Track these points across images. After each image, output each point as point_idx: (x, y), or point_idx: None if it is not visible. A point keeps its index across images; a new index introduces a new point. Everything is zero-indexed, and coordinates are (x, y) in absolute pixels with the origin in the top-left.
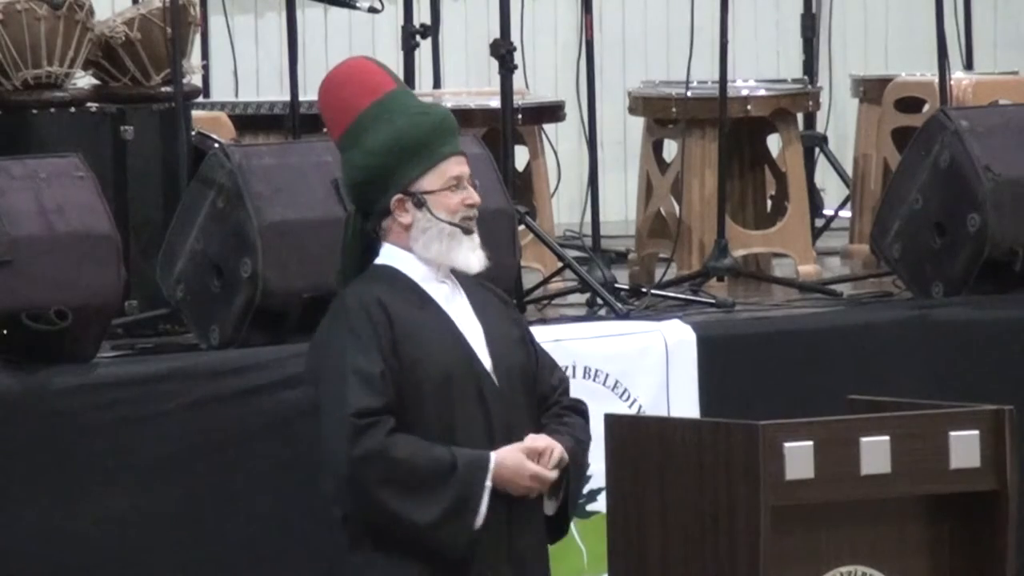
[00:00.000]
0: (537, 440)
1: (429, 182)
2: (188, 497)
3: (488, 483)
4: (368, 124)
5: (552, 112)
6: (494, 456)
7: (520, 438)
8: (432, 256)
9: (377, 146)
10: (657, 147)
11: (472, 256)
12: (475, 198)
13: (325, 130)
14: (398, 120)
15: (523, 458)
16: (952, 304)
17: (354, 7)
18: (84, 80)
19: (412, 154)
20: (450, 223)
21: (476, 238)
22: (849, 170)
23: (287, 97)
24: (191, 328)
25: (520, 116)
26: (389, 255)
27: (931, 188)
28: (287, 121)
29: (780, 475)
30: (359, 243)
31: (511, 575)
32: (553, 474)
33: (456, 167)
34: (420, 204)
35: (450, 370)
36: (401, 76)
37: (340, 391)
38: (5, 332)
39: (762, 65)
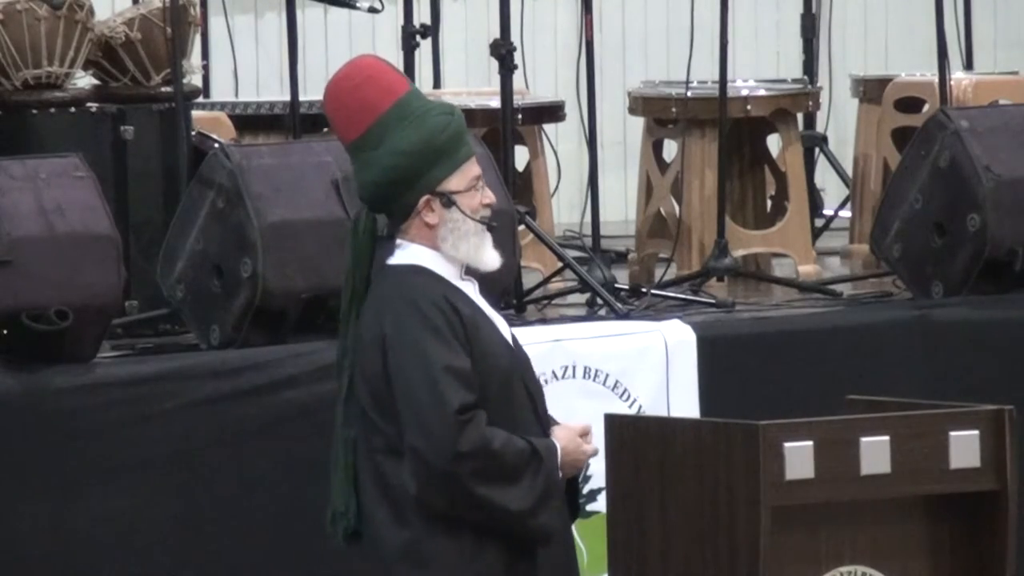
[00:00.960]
0: (577, 422)
1: (455, 182)
2: (188, 497)
3: (559, 467)
4: (392, 124)
5: (552, 112)
6: (557, 441)
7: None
8: (459, 255)
9: (406, 146)
10: (657, 147)
11: (494, 254)
12: (492, 197)
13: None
14: (426, 121)
15: (579, 439)
16: (952, 304)
17: (354, 7)
18: (84, 80)
19: (440, 155)
20: (476, 221)
21: (490, 237)
22: (849, 170)
23: (287, 97)
24: (191, 328)
25: (520, 116)
26: (413, 255)
27: (931, 188)
28: (287, 121)
29: (780, 475)
30: (370, 242)
31: (563, 555)
32: (598, 449)
33: (476, 168)
34: (449, 204)
35: (506, 367)
36: None
37: (436, 390)
38: (5, 332)
39: (762, 65)
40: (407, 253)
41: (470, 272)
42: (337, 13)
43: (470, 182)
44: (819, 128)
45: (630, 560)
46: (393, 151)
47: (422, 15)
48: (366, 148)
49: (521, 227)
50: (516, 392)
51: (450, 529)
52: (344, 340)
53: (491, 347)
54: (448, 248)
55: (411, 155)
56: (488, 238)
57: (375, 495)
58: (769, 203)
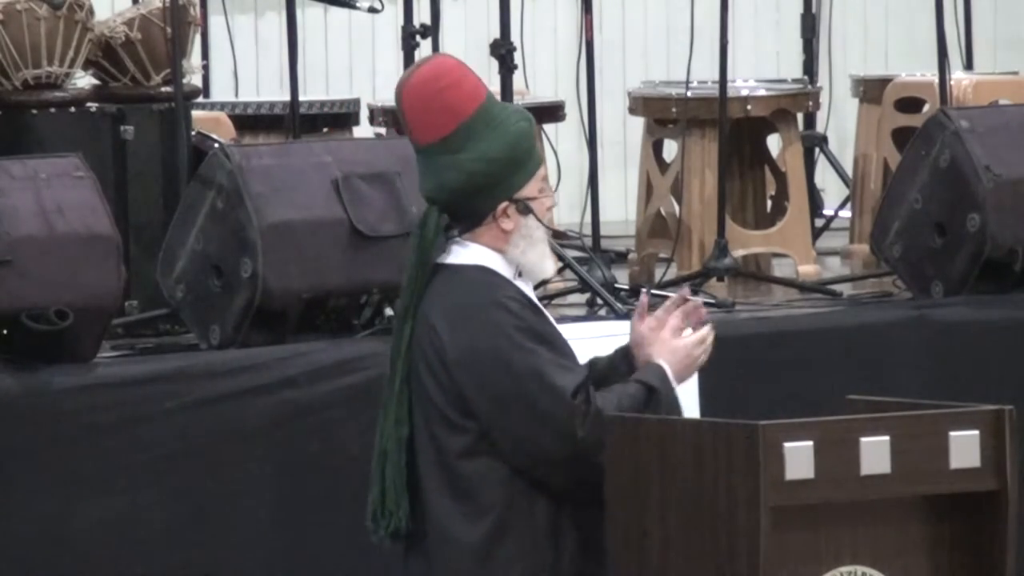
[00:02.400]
0: (641, 323)
1: (530, 189)
2: (188, 497)
3: (675, 384)
4: (478, 129)
5: (552, 112)
6: (660, 360)
7: None
8: (527, 260)
9: (493, 153)
10: (657, 147)
11: (552, 262)
12: (553, 202)
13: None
14: (510, 128)
15: (676, 343)
16: (952, 304)
17: (354, 7)
18: (84, 80)
19: (520, 162)
20: (546, 229)
21: None
22: (849, 170)
23: (287, 97)
24: (191, 328)
25: None
26: (478, 256)
27: (931, 188)
28: (287, 121)
29: (780, 475)
30: (437, 243)
31: None
32: (706, 334)
33: (544, 172)
34: (526, 211)
35: (574, 354)
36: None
37: (546, 380)
38: (5, 332)
39: (762, 65)
40: (469, 253)
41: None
42: (337, 13)
43: (540, 188)
44: (819, 128)
45: (630, 560)
46: (479, 157)
47: (422, 15)
48: (446, 152)
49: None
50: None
51: (526, 527)
52: (400, 339)
53: (565, 341)
54: (518, 253)
55: (497, 161)
56: (547, 246)
57: (444, 494)
58: (769, 203)
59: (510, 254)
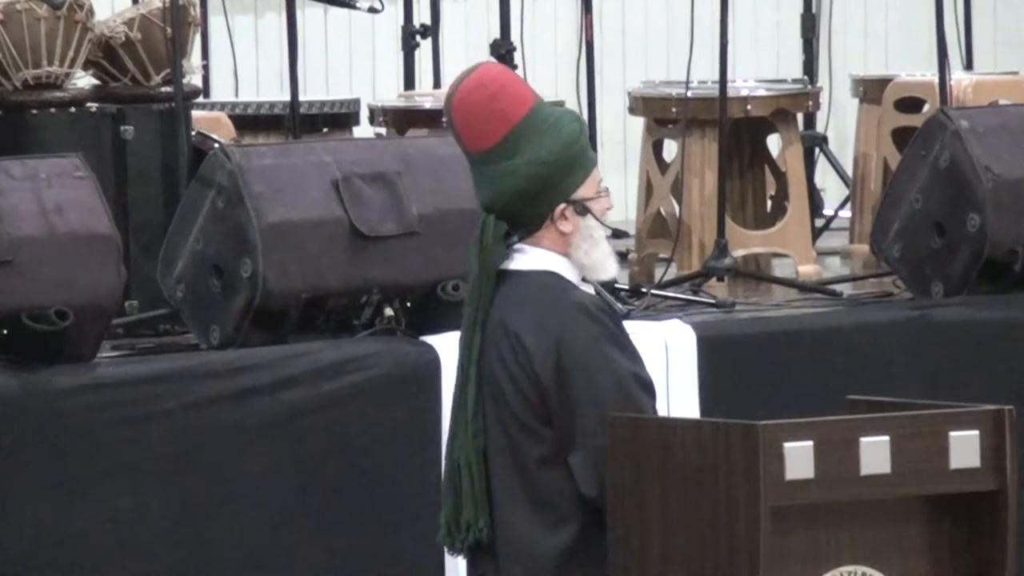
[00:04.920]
0: None
1: (586, 190)
2: (188, 497)
3: None
4: (529, 134)
5: None
6: None
7: None
8: (590, 262)
9: (546, 156)
10: (657, 147)
11: (615, 261)
12: (611, 203)
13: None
14: (561, 129)
15: None
16: (952, 304)
17: (354, 7)
18: (84, 80)
19: (574, 163)
20: (606, 229)
21: None
22: (849, 170)
23: (287, 97)
24: (191, 328)
25: None
26: (543, 261)
27: (931, 188)
28: (287, 121)
29: (780, 475)
30: (500, 249)
31: None
32: None
33: (599, 173)
34: (584, 212)
35: (644, 364)
36: (401, 76)
37: (626, 392)
38: (5, 332)
39: (762, 65)
40: (532, 258)
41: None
42: (337, 13)
43: (597, 189)
44: (819, 128)
45: (630, 560)
46: (532, 161)
47: (422, 15)
48: (500, 158)
49: None
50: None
51: (603, 537)
52: (470, 348)
53: (636, 349)
54: (581, 255)
55: (550, 164)
56: (609, 246)
57: (523, 503)
58: (769, 203)
59: (574, 256)
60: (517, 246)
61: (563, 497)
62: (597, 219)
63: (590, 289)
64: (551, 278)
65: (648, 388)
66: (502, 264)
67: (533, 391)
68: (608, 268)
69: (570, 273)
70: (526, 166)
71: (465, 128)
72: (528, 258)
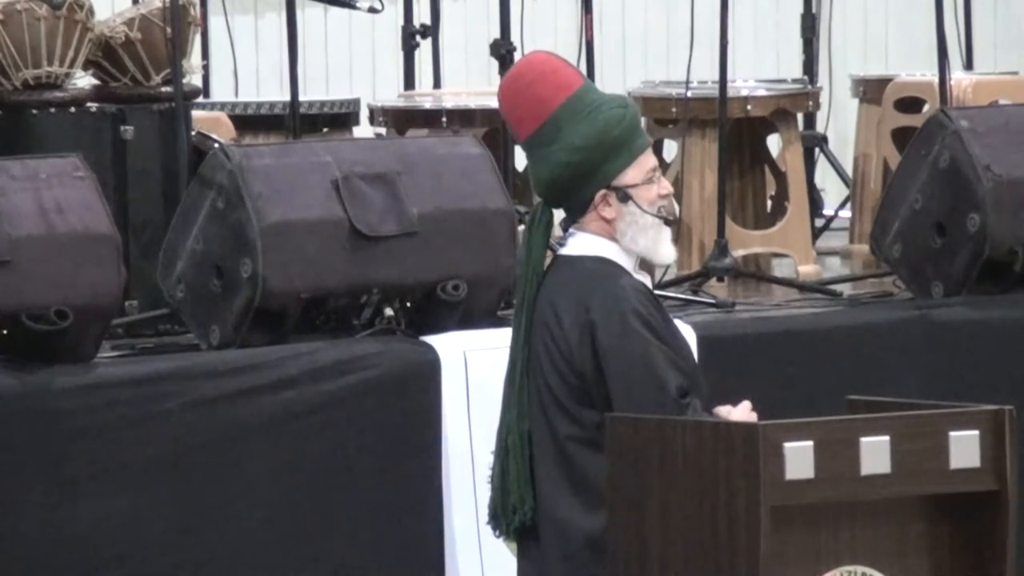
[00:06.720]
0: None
1: (631, 176)
2: (187, 497)
3: None
4: (566, 120)
5: None
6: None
7: None
8: (639, 249)
9: (581, 141)
10: (657, 147)
11: (671, 248)
12: (669, 188)
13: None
14: (600, 114)
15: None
16: (952, 304)
17: (354, 7)
18: (84, 80)
19: (615, 148)
20: (654, 215)
21: (670, 230)
22: (849, 170)
23: (287, 97)
24: (191, 328)
25: None
26: (593, 246)
27: (931, 188)
28: (287, 121)
29: (780, 475)
30: (547, 236)
31: None
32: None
33: (651, 159)
34: (625, 198)
35: (694, 364)
36: (401, 76)
37: (655, 374)
38: (5, 332)
39: (762, 65)
40: (584, 244)
41: (644, 266)
42: (337, 13)
43: (647, 174)
44: (819, 128)
45: (630, 560)
46: (567, 147)
47: (422, 15)
48: (540, 144)
49: (521, 227)
50: (701, 390)
51: None
52: (518, 331)
53: (683, 344)
54: (627, 242)
55: (585, 149)
56: (666, 231)
57: (562, 485)
58: (769, 203)
59: (622, 243)
60: (570, 231)
61: (601, 480)
62: (639, 206)
63: (645, 279)
64: (599, 264)
65: (678, 365)
66: (556, 249)
67: (570, 372)
68: (661, 254)
69: (623, 259)
70: (561, 152)
71: (510, 116)
72: (578, 243)
